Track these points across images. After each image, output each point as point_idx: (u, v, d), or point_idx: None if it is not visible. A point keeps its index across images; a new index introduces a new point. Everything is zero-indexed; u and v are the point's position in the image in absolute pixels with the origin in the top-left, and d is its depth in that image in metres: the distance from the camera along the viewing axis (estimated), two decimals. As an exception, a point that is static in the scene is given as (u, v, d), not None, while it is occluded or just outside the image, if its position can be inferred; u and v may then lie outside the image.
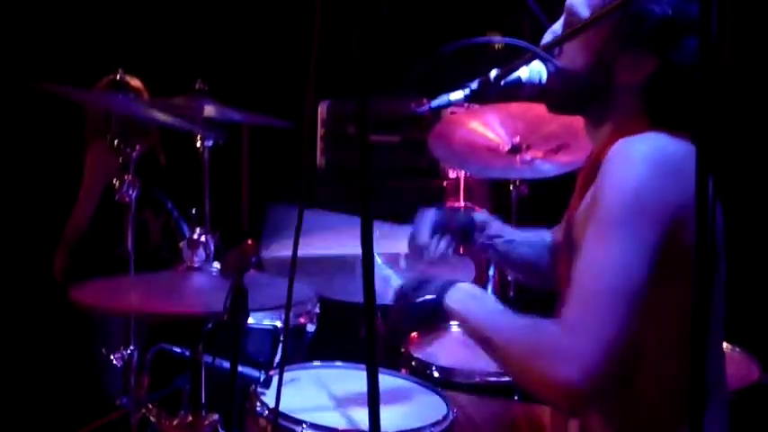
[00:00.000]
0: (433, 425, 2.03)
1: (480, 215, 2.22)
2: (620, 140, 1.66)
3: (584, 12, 1.75)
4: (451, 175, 3.73)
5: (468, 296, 1.77)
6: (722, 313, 1.76)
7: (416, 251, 2.15)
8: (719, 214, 1.70)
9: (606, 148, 1.71)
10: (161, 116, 2.51)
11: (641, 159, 1.61)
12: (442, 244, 2.14)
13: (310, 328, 2.79)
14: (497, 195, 3.64)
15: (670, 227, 1.57)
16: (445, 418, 2.07)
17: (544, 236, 2.19)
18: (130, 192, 2.51)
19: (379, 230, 2.12)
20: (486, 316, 1.71)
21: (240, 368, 2.10)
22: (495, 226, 2.21)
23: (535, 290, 2.18)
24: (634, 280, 1.54)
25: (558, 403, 1.67)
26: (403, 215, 2.25)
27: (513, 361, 1.64)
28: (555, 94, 1.83)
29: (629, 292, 1.53)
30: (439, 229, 2.15)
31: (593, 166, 1.74)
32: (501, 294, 2.97)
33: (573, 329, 1.55)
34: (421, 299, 1.80)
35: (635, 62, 1.71)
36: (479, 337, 1.70)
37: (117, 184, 2.50)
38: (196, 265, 2.13)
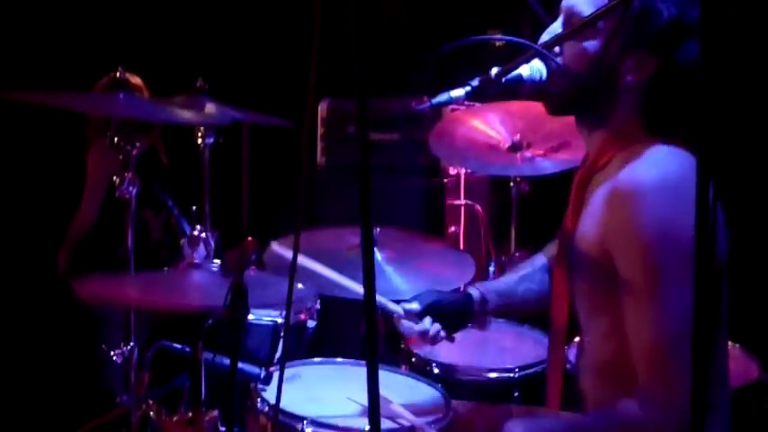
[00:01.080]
0: (434, 421, 2.04)
1: (476, 289, 2.15)
2: (625, 171, 1.66)
3: (587, 10, 1.75)
4: (452, 172, 3.73)
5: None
6: (726, 321, 1.77)
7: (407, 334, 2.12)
8: (723, 225, 1.71)
9: (601, 154, 1.72)
10: (168, 113, 2.52)
11: (653, 190, 1.62)
12: (435, 327, 2.05)
13: (311, 324, 2.79)
14: (498, 193, 3.64)
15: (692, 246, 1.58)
16: (445, 414, 2.07)
17: (537, 261, 2.19)
18: (131, 189, 2.51)
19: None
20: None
21: (240, 365, 2.10)
22: (492, 297, 2.15)
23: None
24: (688, 321, 1.57)
25: None
26: (403, 214, 2.25)
27: None
28: (554, 95, 1.84)
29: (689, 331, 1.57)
30: (433, 312, 2.07)
31: (588, 174, 1.75)
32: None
33: (653, 398, 1.60)
34: None
35: (638, 62, 1.71)
36: None
37: (117, 181, 2.51)
38: (196, 263, 2.13)
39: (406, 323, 2.05)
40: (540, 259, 2.18)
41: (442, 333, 2.06)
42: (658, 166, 1.65)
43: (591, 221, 1.75)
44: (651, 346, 1.62)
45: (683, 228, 1.56)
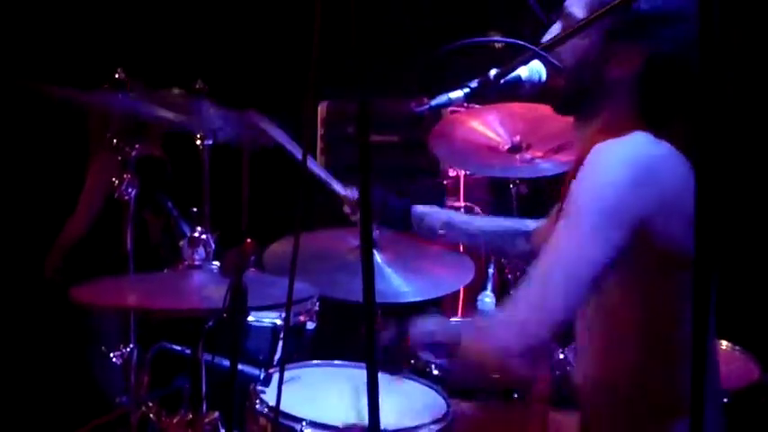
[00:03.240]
0: (433, 422, 2.04)
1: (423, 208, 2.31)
2: (602, 143, 1.69)
3: (580, 13, 1.76)
4: (451, 174, 3.73)
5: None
6: (713, 317, 1.78)
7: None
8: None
9: (590, 147, 1.73)
10: (163, 113, 2.52)
11: (618, 162, 1.66)
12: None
13: (310, 326, 2.79)
14: (497, 194, 3.64)
15: (639, 231, 1.60)
16: (445, 415, 2.08)
17: (526, 223, 2.26)
18: (130, 190, 2.51)
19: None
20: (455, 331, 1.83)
21: (240, 366, 2.11)
22: (434, 218, 2.34)
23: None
24: (586, 268, 1.61)
25: (496, 368, 1.74)
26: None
27: (472, 349, 1.73)
28: (558, 95, 1.85)
29: (578, 276, 1.61)
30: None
31: (577, 167, 1.76)
32: (500, 293, 2.97)
33: (517, 302, 1.67)
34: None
35: (623, 57, 1.73)
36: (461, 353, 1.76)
37: (116, 182, 2.50)
38: (196, 264, 2.13)
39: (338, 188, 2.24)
40: (531, 223, 2.22)
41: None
42: (632, 148, 1.69)
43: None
44: (539, 268, 1.67)
45: (628, 206, 1.62)
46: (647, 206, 1.61)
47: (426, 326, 1.88)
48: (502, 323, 1.69)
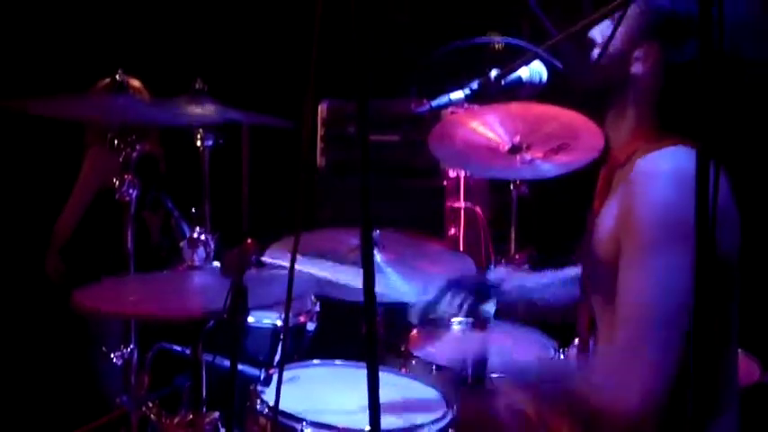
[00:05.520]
0: (433, 422, 2.04)
1: (496, 273, 2.20)
2: (642, 159, 1.68)
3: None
4: (451, 174, 3.73)
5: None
6: (737, 323, 1.78)
7: (422, 314, 2.14)
8: (737, 225, 1.72)
9: (623, 151, 1.72)
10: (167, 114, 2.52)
11: (665, 177, 1.64)
12: (456, 300, 2.11)
13: (310, 326, 2.79)
14: (497, 195, 3.64)
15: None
16: (444, 415, 2.08)
17: (570, 271, 2.19)
18: (130, 191, 2.51)
19: None
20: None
21: (240, 367, 2.10)
22: (512, 282, 2.20)
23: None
24: (679, 299, 1.56)
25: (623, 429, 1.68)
26: (403, 215, 2.25)
27: (579, 406, 1.67)
28: (578, 90, 1.85)
29: (675, 312, 1.56)
30: (452, 288, 2.13)
31: (611, 171, 1.75)
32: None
33: (625, 357, 1.58)
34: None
35: (644, 54, 1.73)
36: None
37: (117, 183, 2.50)
38: (196, 265, 2.13)
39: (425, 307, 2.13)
40: (573, 270, 2.19)
41: (465, 307, 2.10)
42: (675, 159, 1.67)
43: (609, 214, 1.75)
44: (631, 316, 1.61)
45: (684, 216, 1.56)
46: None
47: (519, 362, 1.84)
48: (617, 381, 1.59)
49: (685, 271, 1.55)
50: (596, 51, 1.78)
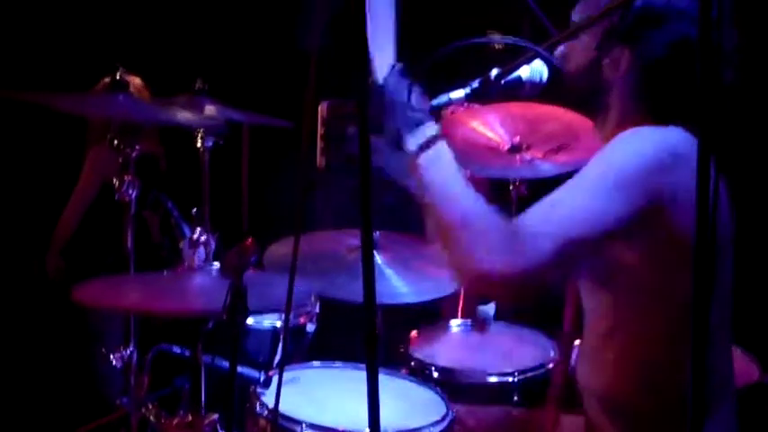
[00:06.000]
0: (433, 424, 2.03)
1: None
2: (637, 127, 1.68)
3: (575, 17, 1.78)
4: (451, 174, 3.72)
5: (445, 162, 1.72)
6: (729, 312, 1.76)
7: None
8: (727, 210, 1.72)
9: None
10: (168, 114, 2.52)
11: (642, 139, 1.65)
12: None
13: (310, 328, 2.79)
14: (497, 195, 3.64)
15: (647, 208, 1.58)
16: (444, 417, 2.07)
17: None
18: (130, 191, 2.51)
19: None
20: (453, 188, 1.69)
21: (240, 368, 2.10)
22: None
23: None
24: (587, 226, 1.56)
25: (473, 287, 1.67)
26: (402, 215, 2.24)
27: (453, 235, 1.63)
28: (566, 93, 1.85)
29: (577, 225, 1.56)
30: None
31: None
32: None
33: (518, 230, 1.58)
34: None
35: (614, 59, 1.73)
36: (434, 201, 1.68)
37: (117, 183, 2.50)
38: (196, 265, 2.13)
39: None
40: None
41: None
42: (659, 132, 1.67)
43: None
44: (544, 205, 1.62)
45: (640, 180, 1.58)
46: (662, 183, 1.58)
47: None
48: (501, 231, 1.59)
49: (607, 214, 1.56)
50: (561, 62, 1.79)
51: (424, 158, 1.69)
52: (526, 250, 1.54)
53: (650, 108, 1.73)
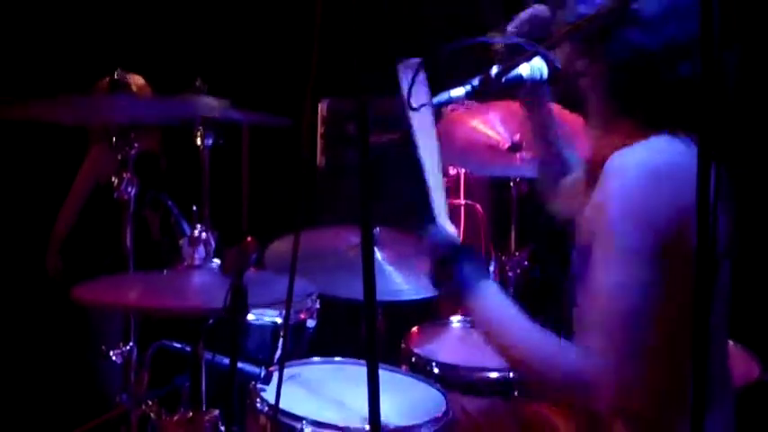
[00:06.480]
0: (433, 420, 2.04)
1: None
2: (617, 153, 1.68)
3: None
4: (451, 172, 3.72)
5: (495, 296, 1.77)
6: (726, 313, 1.77)
7: None
8: (724, 213, 1.71)
9: (599, 153, 1.72)
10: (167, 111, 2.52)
11: (633, 168, 1.64)
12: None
13: (310, 324, 2.79)
14: (497, 193, 3.64)
15: (669, 230, 1.58)
16: (445, 414, 2.08)
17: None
18: (129, 190, 2.51)
19: None
20: (510, 323, 1.73)
21: (240, 365, 2.11)
22: None
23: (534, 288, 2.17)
24: (642, 295, 1.57)
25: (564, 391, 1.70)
26: (402, 214, 2.24)
27: (533, 373, 1.69)
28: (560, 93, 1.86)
29: (640, 309, 1.57)
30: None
31: (593, 173, 1.76)
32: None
33: (591, 355, 1.59)
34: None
35: (584, 68, 1.73)
36: (498, 342, 1.73)
37: (116, 182, 2.50)
38: (196, 263, 2.13)
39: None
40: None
41: None
42: (648, 151, 1.66)
43: (589, 206, 1.75)
44: (599, 314, 1.61)
45: (654, 209, 1.58)
46: (671, 202, 1.58)
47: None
48: (581, 376, 1.60)
49: (645, 260, 1.57)
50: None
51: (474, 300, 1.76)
52: (611, 372, 1.57)
53: (632, 110, 1.73)
